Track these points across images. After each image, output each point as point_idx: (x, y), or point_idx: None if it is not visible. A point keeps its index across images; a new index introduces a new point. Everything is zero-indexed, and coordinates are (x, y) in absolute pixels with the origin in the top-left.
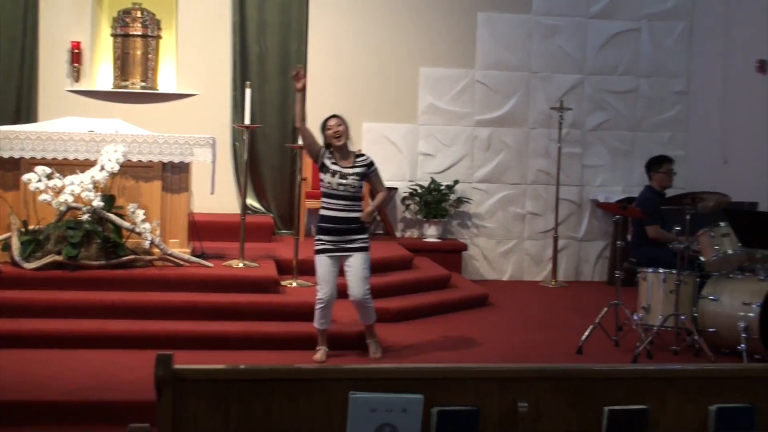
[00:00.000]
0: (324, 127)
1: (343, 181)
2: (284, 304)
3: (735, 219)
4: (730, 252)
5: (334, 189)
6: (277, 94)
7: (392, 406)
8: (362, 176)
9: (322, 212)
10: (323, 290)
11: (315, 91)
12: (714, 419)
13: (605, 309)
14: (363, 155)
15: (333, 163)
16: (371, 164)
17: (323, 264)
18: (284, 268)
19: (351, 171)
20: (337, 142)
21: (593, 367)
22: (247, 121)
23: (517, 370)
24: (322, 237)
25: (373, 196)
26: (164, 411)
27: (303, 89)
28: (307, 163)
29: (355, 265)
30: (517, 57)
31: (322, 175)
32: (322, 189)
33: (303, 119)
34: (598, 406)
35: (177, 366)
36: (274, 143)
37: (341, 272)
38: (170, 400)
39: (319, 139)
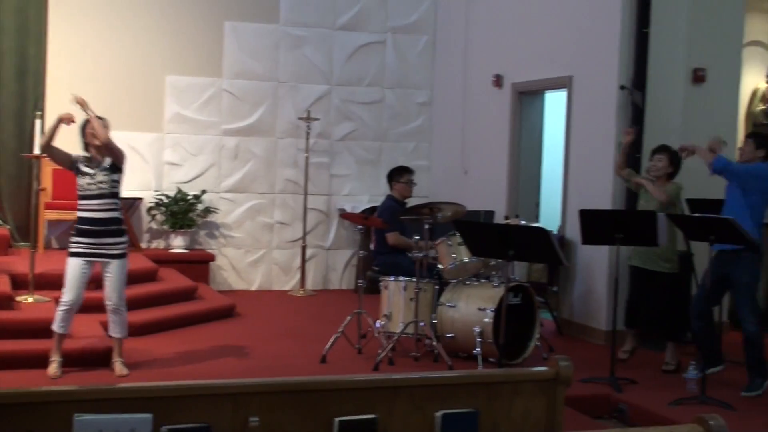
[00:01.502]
0: (83, 128)
1: (94, 180)
2: (19, 321)
3: (464, 229)
4: (466, 260)
5: (87, 189)
6: (14, 99)
7: (120, 427)
8: (112, 168)
9: (80, 215)
10: (69, 294)
11: (57, 98)
12: (440, 425)
13: (348, 317)
14: None
15: (86, 166)
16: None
17: (75, 267)
18: (20, 283)
19: (101, 168)
20: (96, 141)
21: (324, 379)
22: None
23: (248, 385)
24: (79, 239)
25: None
26: None
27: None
28: (46, 173)
29: (115, 272)
30: (264, 66)
31: (78, 180)
32: (78, 192)
33: (48, 143)
34: (330, 418)
35: None
36: (10, 152)
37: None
38: None
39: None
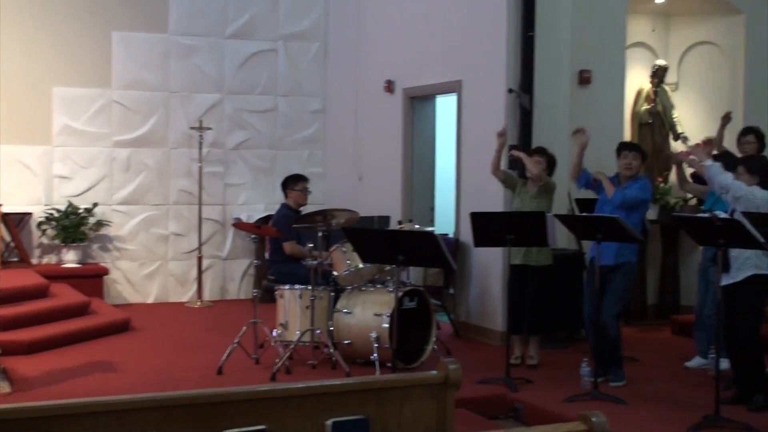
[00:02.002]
0: None
1: None
2: None
3: (353, 236)
4: (361, 266)
5: None
6: None
7: None
8: None
9: None
10: None
11: None
12: None
13: (244, 328)
14: None
15: None
16: None
17: None
18: None
19: None
20: None
21: (211, 392)
22: None
23: (135, 401)
24: None
25: None
26: None
27: None
28: None
29: None
30: (155, 76)
31: None
32: None
33: None
34: (219, 431)
35: None
36: None
37: None
38: None
39: None
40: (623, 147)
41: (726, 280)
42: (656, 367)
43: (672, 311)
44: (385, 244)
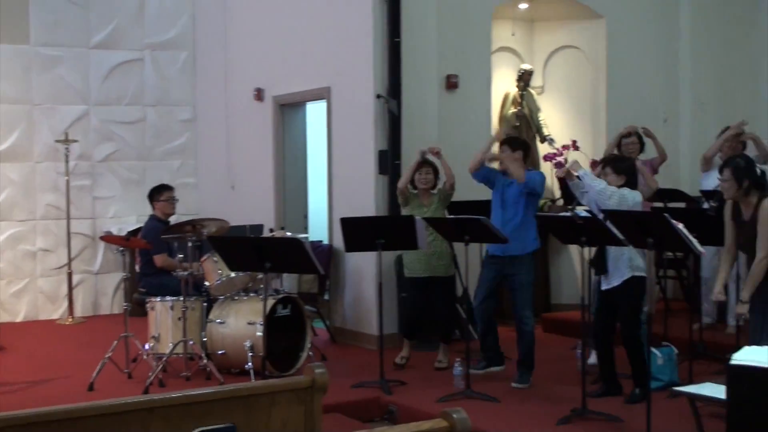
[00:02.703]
0: None
1: None
2: None
3: (219, 245)
4: (233, 275)
5: None
6: None
7: None
8: None
9: None
10: None
11: None
12: None
13: (115, 342)
14: None
15: None
16: None
17: None
18: None
19: None
20: None
21: (74, 407)
22: None
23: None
24: None
25: None
26: None
27: None
28: None
29: None
30: (16, 89)
31: None
32: None
33: None
34: None
35: None
36: None
37: None
38: None
39: None
40: (502, 143)
41: (605, 285)
42: None
43: (543, 309)
44: (251, 251)
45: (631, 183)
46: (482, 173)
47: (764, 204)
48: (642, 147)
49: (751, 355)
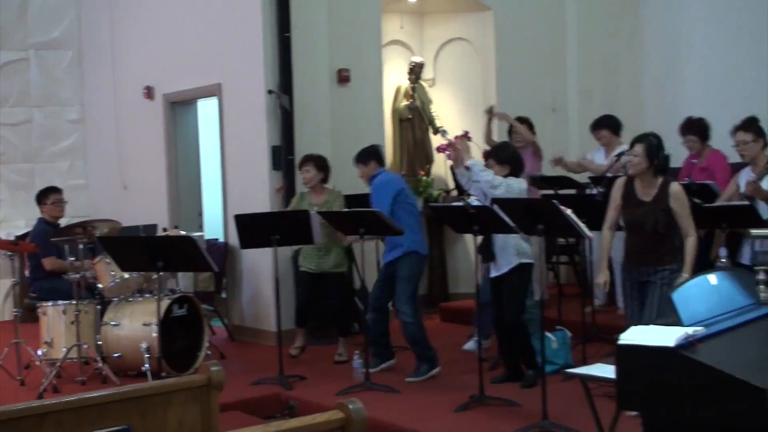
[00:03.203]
0: None
1: None
2: None
3: (110, 245)
4: (126, 276)
5: None
6: None
7: None
8: None
9: None
10: None
11: None
12: None
13: (6, 349)
14: None
15: None
16: None
17: None
18: None
19: None
20: None
21: None
22: None
23: None
24: None
25: None
26: None
27: None
28: None
29: None
30: None
31: None
32: None
33: None
34: None
35: None
36: None
37: None
38: None
39: None
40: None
41: (495, 272)
42: None
43: (441, 299)
44: (142, 251)
45: (516, 172)
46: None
47: (674, 187)
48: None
49: (637, 335)
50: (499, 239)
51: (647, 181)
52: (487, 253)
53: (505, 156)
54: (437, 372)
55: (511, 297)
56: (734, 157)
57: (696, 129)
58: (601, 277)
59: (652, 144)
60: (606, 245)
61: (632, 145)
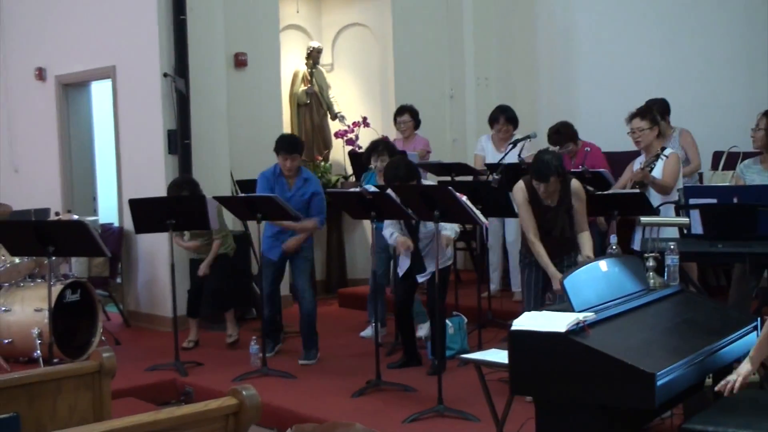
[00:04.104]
0: None
1: None
2: None
3: (0, 230)
4: (17, 261)
5: None
6: None
7: None
8: None
9: None
10: None
11: None
12: None
13: None
14: None
15: None
16: None
17: None
18: None
19: None
20: None
21: None
22: None
23: None
24: None
25: None
26: None
27: None
28: None
29: None
30: None
31: None
32: None
33: None
34: None
35: None
36: None
37: None
38: None
39: None
40: None
41: (421, 279)
42: (326, 340)
43: (339, 285)
44: (32, 235)
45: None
46: None
47: (574, 184)
48: (417, 124)
49: (529, 321)
50: (428, 250)
51: (553, 185)
52: (419, 266)
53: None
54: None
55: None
56: (629, 146)
57: (569, 136)
58: (556, 283)
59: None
60: (542, 252)
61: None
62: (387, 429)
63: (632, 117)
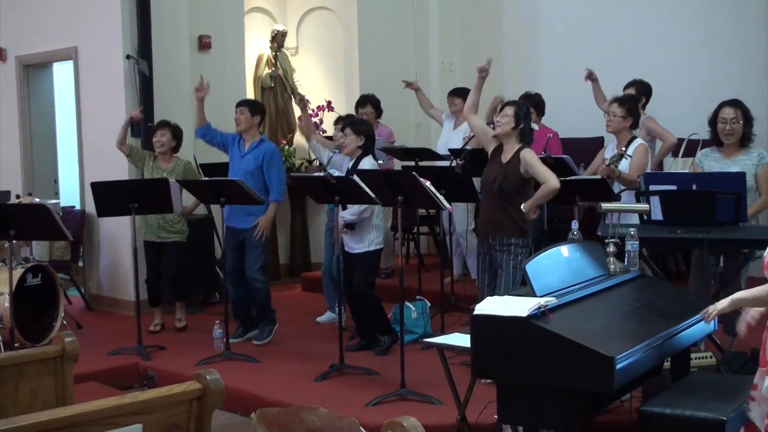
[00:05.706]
0: None
1: None
2: None
3: None
4: None
5: None
6: None
7: None
8: None
9: None
10: None
11: None
12: None
13: None
14: None
15: None
16: None
17: None
18: None
19: None
20: None
21: None
22: None
23: None
24: None
25: None
26: None
27: None
28: None
29: None
30: None
31: None
32: None
33: None
34: None
35: None
36: None
37: None
38: None
39: None
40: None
41: (348, 249)
42: (289, 324)
43: (302, 269)
44: None
45: (369, 146)
46: (200, 132)
47: (524, 152)
48: (380, 113)
49: (491, 305)
50: (362, 223)
51: (510, 144)
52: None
53: (362, 129)
54: (276, 328)
55: (361, 271)
56: (593, 132)
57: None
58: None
59: (521, 109)
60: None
61: (502, 107)
62: (350, 412)
63: (613, 101)
